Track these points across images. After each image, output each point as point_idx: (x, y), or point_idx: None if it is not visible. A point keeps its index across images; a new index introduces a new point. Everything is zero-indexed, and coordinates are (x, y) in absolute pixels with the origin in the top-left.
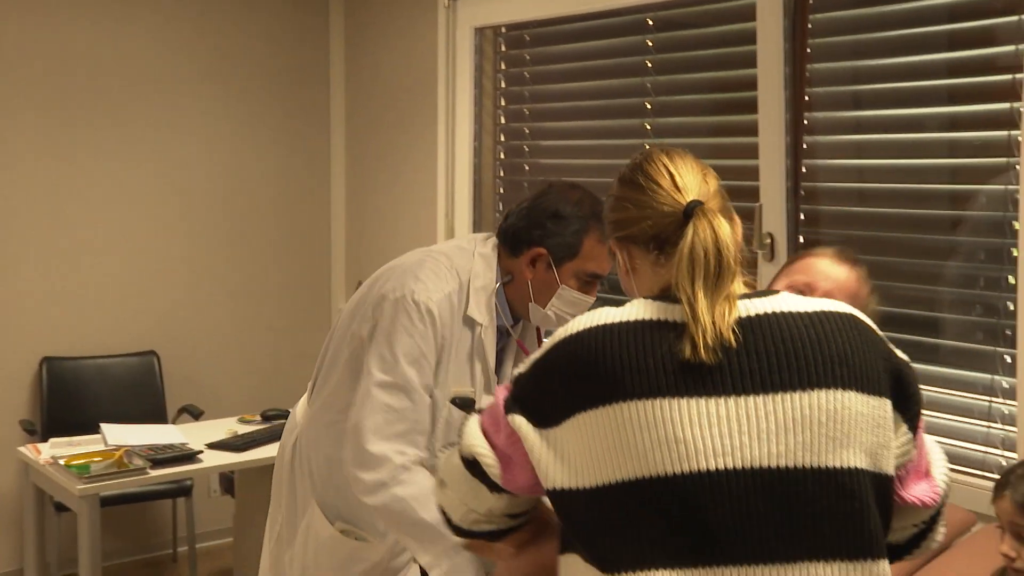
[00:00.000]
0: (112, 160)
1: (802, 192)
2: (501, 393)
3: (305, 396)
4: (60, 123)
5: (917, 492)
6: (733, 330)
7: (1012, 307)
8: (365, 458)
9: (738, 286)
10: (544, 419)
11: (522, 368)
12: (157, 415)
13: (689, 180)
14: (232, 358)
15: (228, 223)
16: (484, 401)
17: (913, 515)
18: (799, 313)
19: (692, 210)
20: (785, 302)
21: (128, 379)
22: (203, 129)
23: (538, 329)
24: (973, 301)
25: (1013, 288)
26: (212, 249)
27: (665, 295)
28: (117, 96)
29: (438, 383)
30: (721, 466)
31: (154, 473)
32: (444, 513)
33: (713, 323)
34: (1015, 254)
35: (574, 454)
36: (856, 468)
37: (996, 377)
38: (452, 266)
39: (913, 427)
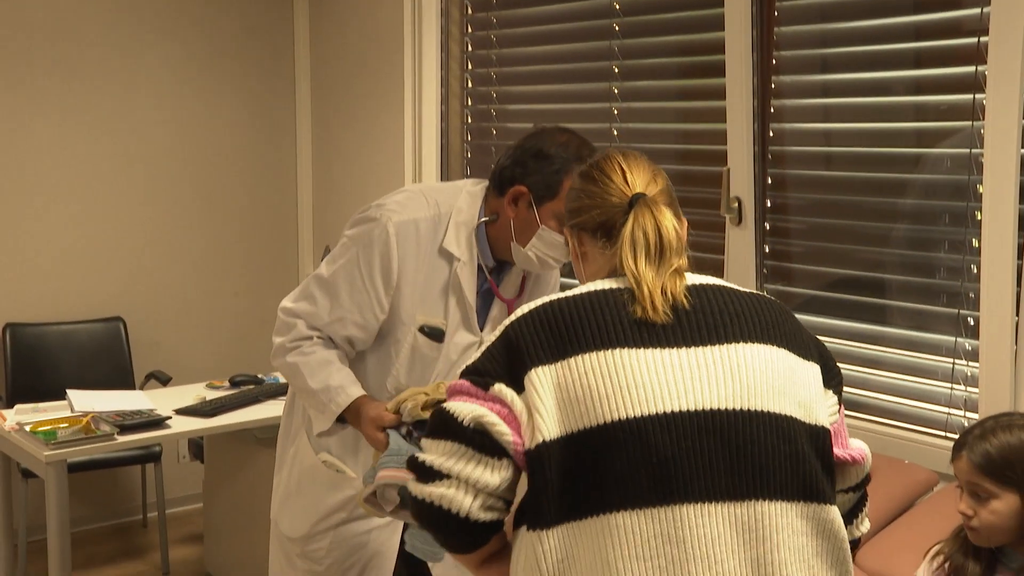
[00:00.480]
0: (72, 124)
1: (769, 156)
2: (462, 385)
3: None
4: (14, 84)
5: (845, 450)
6: (685, 295)
7: (975, 270)
8: (278, 324)
9: (683, 263)
10: (514, 382)
11: (479, 353)
12: (124, 381)
13: (638, 177)
14: (200, 324)
15: (193, 187)
16: (459, 336)
17: (843, 475)
18: (739, 290)
19: (636, 201)
20: (725, 282)
21: (94, 345)
22: (165, 91)
23: (524, 279)
24: (937, 264)
25: (976, 251)
26: (177, 214)
27: (613, 274)
28: (76, 57)
29: (401, 307)
30: (675, 408)
31: (122, 439)
32: (448, 512)
33: (661, 289)
34: (978, 217)
35: (543, 409)
36: (791, 416)
37: (959, 339)
38: (434, 198)
39: (839, 398)
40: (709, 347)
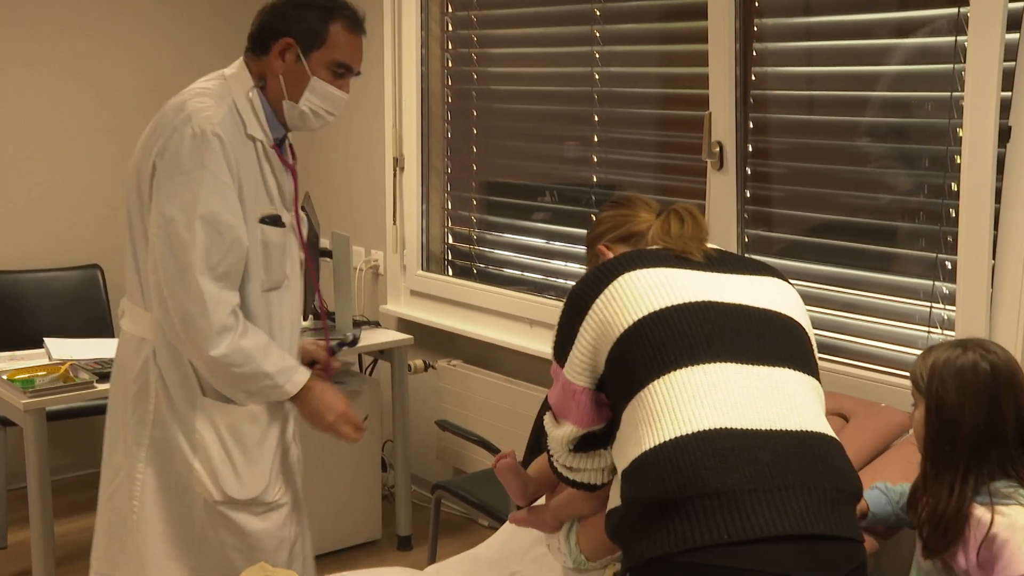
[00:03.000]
0: (46, 68)
1: (751, 100)
2: (555, 369)
3: (133, 306)
4: None
5: None
6: (713, 250)
7: (954, 214)
8: (201, 305)
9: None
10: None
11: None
12: (103, 329)
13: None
14: None
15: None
16: (286, 216)
17: None
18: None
19: (665, 208)
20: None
21: (71, 293)
22: (139, 35)
23: (291, 148)
24: (917, 208)
25: (956, 195)
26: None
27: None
28: (49, 0)
29: (245, 206)
30: (712, 299)
31: (101, 387)
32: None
33: (695, 239)
34: (958, 161)
35: (610, 317)
36: (799, 322)
37: (937, 283)
38: (214, 93)
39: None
40: (736, 275)
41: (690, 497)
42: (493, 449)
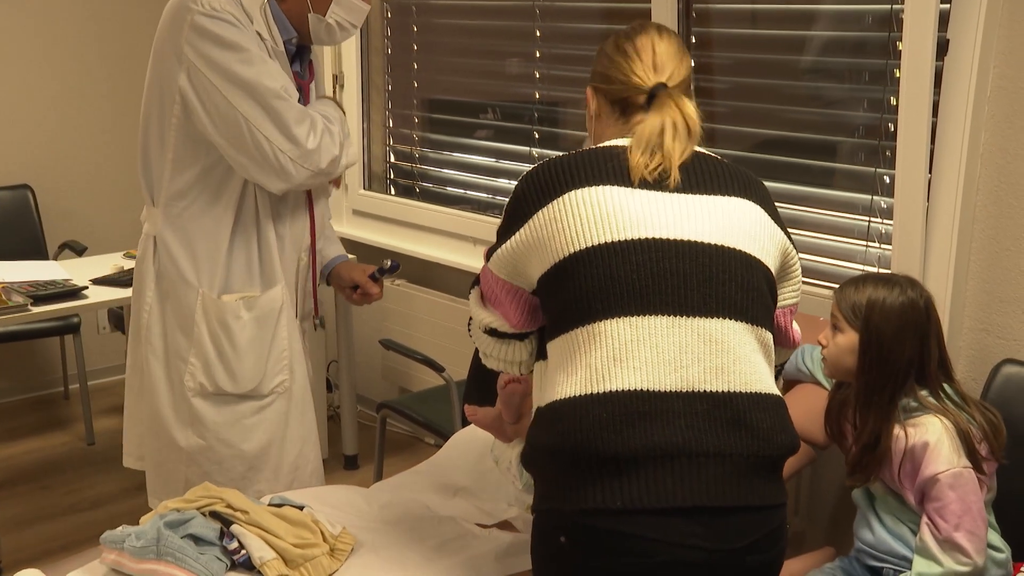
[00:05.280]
0: None
1: (694, 15)
2: (483, 272)
3: (145, 208)
4: None
5: (796, 330)
6: (685, 161)
7: (893, 128)
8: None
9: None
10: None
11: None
12: (36, 252)
13: (667, 62)
14: (113, 192)
15: (101, 51)
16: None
17: (780, 353)
18: (726, 161)
19: (657, 93)
20: (715, 154)
21: (1, 215)
22: None
23: (311, 65)
24: (857, 123)
25: (894, 109)
26: (86, 77)
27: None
28: None
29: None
30: (658, 235)
31: (36, 310)
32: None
33: (665, 156)
34: (897, 75)
35: (547, 241)
36: (757, 258)
37: (876, 198)
38: None
39: (796, 287)
40: (696, 195)
41: (588, 459)
42: (437, 367)
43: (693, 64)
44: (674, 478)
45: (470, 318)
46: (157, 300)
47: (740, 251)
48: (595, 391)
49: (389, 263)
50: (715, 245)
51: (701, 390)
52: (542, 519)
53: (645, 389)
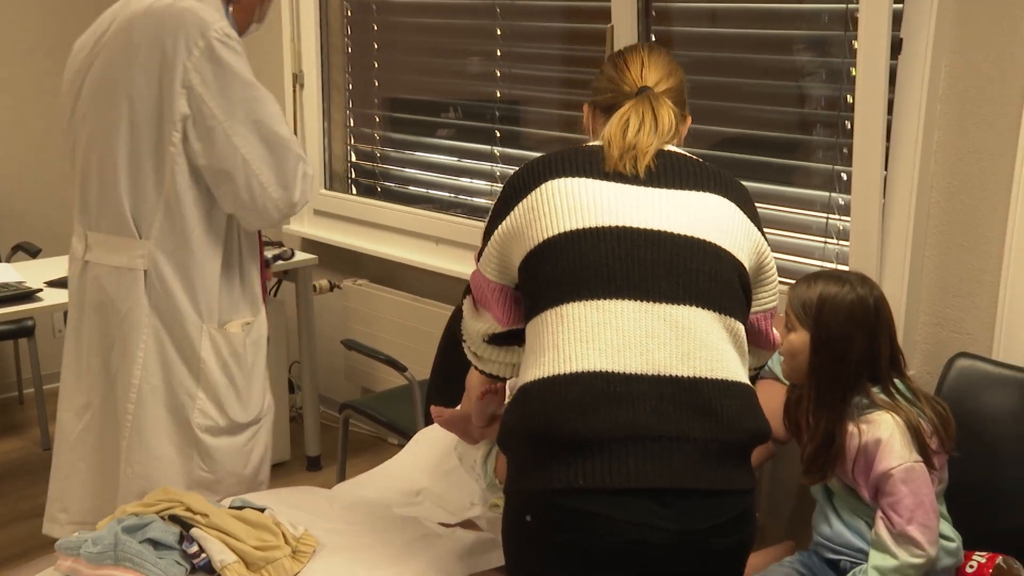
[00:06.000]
0: None
1: (653, 13)
2: (473, 276)
3: (114, 237)
4: None
5: (775, 333)
6: (654, 158)
7: (850, 125)
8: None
9: (668, 148)
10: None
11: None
12: None
13: (654, 72)
14: (68, 193)
15: (55, 49)
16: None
17: (757, 355)
18: (701, 161)
19: (641, 91)
20: (691, 154)
21: None
22: None
23: None
24: (815, 120)
25: (851, 107)
26: (37, 74)
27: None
28: None
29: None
30: (628, 224)
31: None
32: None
33: (634, 147)
34: (853, 73)
35: (524, 229)
36: (727, 250)
37: (833, 194)
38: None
39: (773, 290)
40: (667, 189)
41: (554, 439)
42: (400, 367)
43: None
44: (638, 459)
45: (461, 328)
46: (154, 337)
47: (710, 243)
48: (561, 372)
49: (289, 251)
50: (684, 236)
51: (667, 374)
52: (511, 501)
53: (611, 371)
